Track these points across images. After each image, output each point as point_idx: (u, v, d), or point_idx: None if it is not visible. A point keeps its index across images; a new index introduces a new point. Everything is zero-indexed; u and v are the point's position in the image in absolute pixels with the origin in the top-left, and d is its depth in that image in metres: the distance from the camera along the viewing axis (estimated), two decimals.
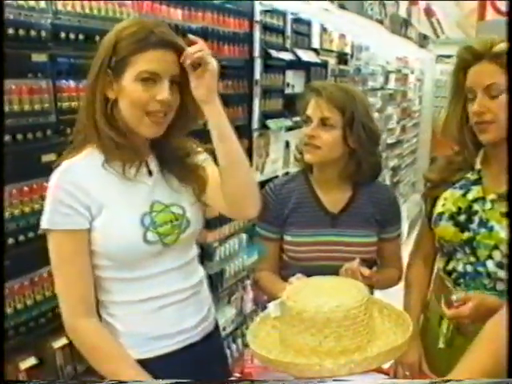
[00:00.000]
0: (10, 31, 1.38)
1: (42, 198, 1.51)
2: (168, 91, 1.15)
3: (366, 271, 1.44)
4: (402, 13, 5.83)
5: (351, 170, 1.59)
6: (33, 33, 1.44)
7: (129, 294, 1.24)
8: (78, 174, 1.18)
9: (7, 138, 1.41)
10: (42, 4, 1.46)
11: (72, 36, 1.55)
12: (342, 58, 4.15)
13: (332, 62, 3.87)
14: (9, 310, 1.44)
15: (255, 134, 2.70)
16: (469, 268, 1.41)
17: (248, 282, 2.95)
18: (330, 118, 1.53)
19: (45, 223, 1.17)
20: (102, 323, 1.25)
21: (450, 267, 1.47)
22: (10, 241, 1.45)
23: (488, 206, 1.39)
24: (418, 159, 8.03)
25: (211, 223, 2.39)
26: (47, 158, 1.54)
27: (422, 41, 7.07)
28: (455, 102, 1.46)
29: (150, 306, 1.25)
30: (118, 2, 1.71)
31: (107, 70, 1.17)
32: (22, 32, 1.41)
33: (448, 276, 1.47)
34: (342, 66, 4.12)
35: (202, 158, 1.34)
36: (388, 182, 5.52)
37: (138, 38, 1.14)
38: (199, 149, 1.35)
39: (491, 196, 1.39)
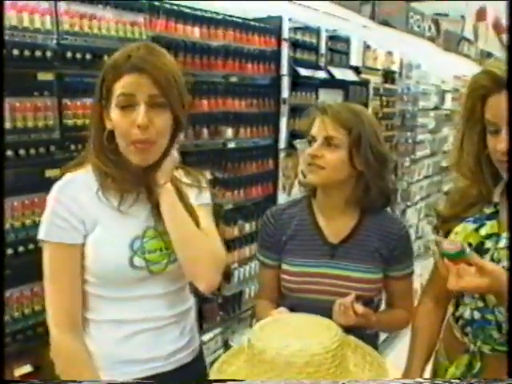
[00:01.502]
0: (15, 52, 1.44)
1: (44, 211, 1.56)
2: (144, 115, 1.10)
3: (360, 309, 1.33)
4: (469, 29, 5.57)
5: (358, 195, 1.48)
6: (38, 53, 1.49)
7: (107, 314, 1.22)
8: (76, 188, 1.19)
9: (10, 153, 1.46)
10: (48, 25, 1.51)
11: (78, 55, 1.59)
12: (389, 77, 4.01)
13: (377, 80, 3.74)
14: (7, 318, 1.49)
15: (282, 155, 2.64)
16: (476, 315, 1.25)
17: None
18: (335, 137, 1.43)
19: (41, 234, 1.19)
20: (81, 338, 1.23)
21: (458, 313, 1.31)
22: (10, 251, 1.50)
23: (502, 243, 1.22)
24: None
25: (230, 244, 2.37)
26: (51, 173, 1.58)
27: (484, 58, 6.73)
28: (469, 132, 1.29)
29: (125, 329, 1.22)
30: (130, 21, 1.73)
31: (101, 100, 1.17)
32: (27, 52, 1.46)
33: (455, 323, 1.31)
34: (388, 85, 3.98)
35: (196, 202, 1.29)
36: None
37: (115, 65, 1.13)
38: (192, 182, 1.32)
39: (507, 233, 1.24)
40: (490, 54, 6.91)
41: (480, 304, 1.24)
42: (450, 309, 1.36)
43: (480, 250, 1.24)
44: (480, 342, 1.24)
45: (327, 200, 1.52)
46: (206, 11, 2.08)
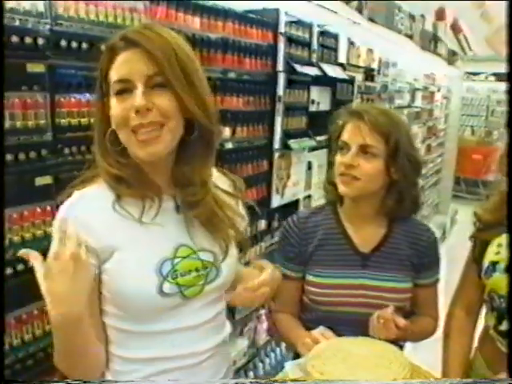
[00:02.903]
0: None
1: (34, 225, 1.36)
2: (141, 96, 0.92)
3: (402, 322, 1.26)
4: (429, 28, 5.62)
5: (391, 205, 1.39)
6: (28, 40, 1.27)
7: (133, 350, 1.03)
8: (87, 208, 0.98)
9: None
10: (40, 7, 1.29)
11: (74, 44, 1.38)
12: (369, 74, 3.95)
13: (359, 78, 3.66)
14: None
15: (276, 155, 2.50)
16: None
17: (263, 312, 2.75)
18: (372, 145, 1.32)
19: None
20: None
21: (503, 327, 1.24)
22: None
23: None
24: (443, 180, 7.74)
25: None
26: (42, 181, 1.37)
27: (451, 57, 6.83)
28: None
29: (155, 368, 1.04)
30: (129, 7, 1.53)
31: (103, 95, 0.99)
32: (15, 38, 1.24)
33: (502, 337, 1.24)
34: (368, 83, 3.91)
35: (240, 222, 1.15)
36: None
37: (110, 46, 0.96)
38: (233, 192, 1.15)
39: None
40: (454, 53, 7.04)
41: None
42: (491, 321, 1.28)
43: None
44: None
45: (356, 209, 1.43)
46: (206, 1, 1.90)
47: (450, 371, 1.34)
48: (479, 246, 1.32)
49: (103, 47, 0.99)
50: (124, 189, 0.99)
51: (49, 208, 1.38)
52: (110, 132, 0.97)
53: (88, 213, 0.97)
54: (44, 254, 1.19)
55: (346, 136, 1.37)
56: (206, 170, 1.05)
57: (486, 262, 1.27)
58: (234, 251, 1.12)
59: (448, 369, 1.36)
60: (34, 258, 0.88)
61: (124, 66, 0.93)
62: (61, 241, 0.91)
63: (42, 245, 1.36)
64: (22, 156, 1.30)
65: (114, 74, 0.94)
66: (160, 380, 1.04)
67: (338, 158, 1.38)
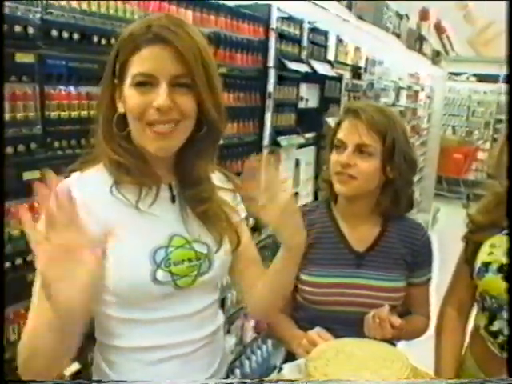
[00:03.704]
0: None
1: (21, 222, 1.31)
2: (165, 96, 0.92)
3: (397, 321, 1.26)
4: (413, 28, 5.66)
5: (386, 203, 1.39)
6: (18, 28, 1.23)
7: (128, 339, 1.03)
8: (85, 191, 0.97)
9: None
10: None
11: (65, 35, 1.33)
12: (356, 72, 3.95)
13: (346, 75, 3.66)
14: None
15: (265, 151, 2.47)
16: None
17: None
18: (369, 145, 1.31)
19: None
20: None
21: (494, 328, 1.25)
22: None
23: None
24: (425, 178, 7.82)
25: None
26: (30, 175, 1.32)
27: (436, 57, 6.90)
28: None
29: (150, 357, 1.03)
30: None
31: (114, 79, 0.97)
32: (4, 27, 1.19)
33: (492, 338, 1.25)
34: (355, 81, 3.92)
35: (236, 217, 1.15)
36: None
37: (132, 36, 0.94)
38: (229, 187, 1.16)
39: None
40: (438, 53, 7.10)
41: None
42: (482, 321, 1.29)
43: None
44: None
45: (351, 207, 1.43)
46: None
47: (442, 370, 1.35)
48: (471, 247, 1.32)
49: (124, 34, 0.96)
50: (123, 175, 0.99)
51: (37, 204, 1.33)
52: (117, 116, 0.97)
53: (86, 194, 0.96)
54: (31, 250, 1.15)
55: (342, 134, 1.35)
56: (209, 165, 1.07)
57: (478, 263, 1.27)
58: (227, 246, 1.12)
59: (440, 367, 1.37)
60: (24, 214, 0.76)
61: (150, 60, 0.92)
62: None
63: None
64: (9, 149, 1.26)
65: (137, 66, 0.93)
66: (157, 370, 1.03)
67: (334, 157, 1.36)
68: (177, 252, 1.02)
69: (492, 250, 1.25)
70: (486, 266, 1.24)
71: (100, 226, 0.93)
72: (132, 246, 0.99)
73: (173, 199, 1.05)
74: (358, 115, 1.32)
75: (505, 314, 1.21)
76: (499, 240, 1.24)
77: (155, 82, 0.93)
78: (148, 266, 0.99)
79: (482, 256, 1.26)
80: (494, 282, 1.22)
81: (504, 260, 1.21)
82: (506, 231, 1.24)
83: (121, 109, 0.98)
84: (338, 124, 1.38)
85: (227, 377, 1.24)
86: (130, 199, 0.99)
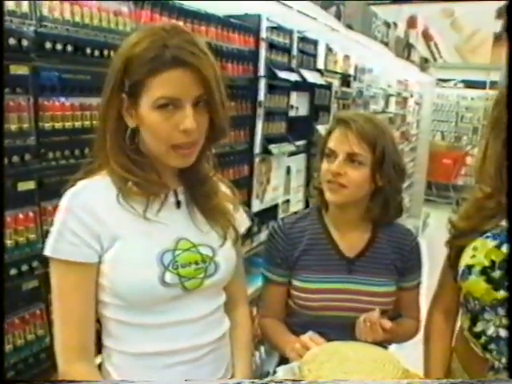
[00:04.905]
0: None
1: (17, 232, 1.32)
2: (192, 119, 0.96)
3: (388, 324, 1.28)
4: (401, 36, 5.74)
5: (376, 210, 1.42)
6: (12, 41, 1.24)
7: (136, 344, 1.05)
8: (92, 197, 1.01)
9: None
10: (25, 8, 1.26)
11: (59, 47, 1.35)
12: (345, 80, 4.00)
13: (335, 83, 3.71)
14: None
15: (257, 160, 2.50)
16: (502, 332, 1.22)
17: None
18: (359, 154, 1.34)
19: (48, 249, 1.00)
20: (94, 368, 1.06)
21: (477, 329, 1.27)
22: None
23: None
24: (415, 183, 7.89)
25: None
26: (25, 185, 1.34)
27: (424, 64, 6.99)
28: (494, 141, 1.27)
29: (157, 362, 1.05)
30: (113, 10, 1.52)
31: (121, 94, 0.98)
32: None
33: (476, 339, 1.27)
34: (344, 88, 3.96)
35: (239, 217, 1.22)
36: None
37: (150, 56, 0.94)
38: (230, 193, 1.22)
39: None
40: (427, 60, 7.20)
41: (506, 322, 1.20)
42: (466, 323, 1.32)
43: (504, 267, 1.21)
44: (505, 358, 1.20)
45: (342, 215, 1.46)
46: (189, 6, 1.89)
47: (431, 372, 1.37)
48: (454, 251, 1.35)
49: (134, 52, 0.96)
50: (132, 187, 1.02)
51: (32, 214, 1.35)
52: (130, 132, 1.00)
53: (93, 200, 1.00)
54: (27, 261, 1.18)
55: (332, 144, 1.38)
56: (209, 166, 1.13)
57: (461, 266, 1.29)
58: (232, 249, 1.16)
59: (429, 369, 1.39)
60: None
61: (172, 84, 0.95)
62: (60, 235, 0.97)
63: (25, 252, 1.33)
64: (4, 160, 1.27)
65: (160, 90, 0.95)
66: (165, 376, 1.05)
67: (325, 165, 1.39)
68: (184, 255, 1.05)
69: (474, 253, 1.27)
70: (470, 268, 1.26)
71: (107, 232, 0.99)
72: (140, 249, 1.01)
73: (178, 204, 1.08)
74: (349, 125, 1.35)
75: (487, 316, 1.24)
76: (481, 243, 1.27)
77: (178, 104, 0.95)
78: (156, 268, 1.01)
79: (466, 259, 1.29)
80: (477, 284, 1.24)
81: (486, 262, 1.24)
82: (487, 234, 1.27)
83: (132, 124, 1.00)
84: (329, 133, 1.41)
85: None
86: (136, 208, 1.02)
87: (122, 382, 1.06)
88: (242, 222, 1.24)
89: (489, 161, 1.27)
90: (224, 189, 1.20)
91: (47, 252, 1.00)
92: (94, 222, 0.99)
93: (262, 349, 2.98)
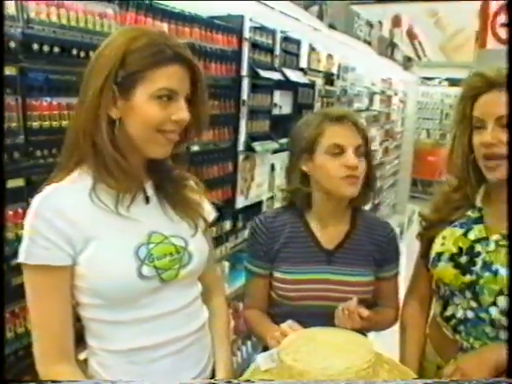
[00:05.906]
0: None
1: (6, 228, 1.36)
2: (186, 110, 1.05)
3: (365, 312, 1.32)
4: (385, 35, 5.83)
5: (361, 197, 1.49)
6: None
7: (119, 342, 1.08)
8: (62, 200, 1.02)
9: None
10: (12, 11, 1.31)
11: (46, 48, 1.40)
12: (329, 79, 4.07)
13: (319, 82, 3.78)
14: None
15: (241, 157, 2.56)
16: (470, 314, 1.30)
17: (229, 311, 2.80)
18: (362, 146, 1.43)
19: (21, 256, 1.01)
20: (75, 368, 1.08)
21: (448, 313, 1.35)
22: None
23: (492, 247, 1.28)
24: (399, 181, 8.00)
25: None
26: (14, 183, 1.38)
27: (407, 63, 7.08)
28: (460, 132, 1.35)
29: (142, 357, 1.09)
30: (98, 12, 1.57)
31: (112, 85, 1.02)
32: None
33: (446, 322, 1.35)
34: (328, 87, 4.03)
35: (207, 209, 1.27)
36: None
37: (153, 51, 1.01)
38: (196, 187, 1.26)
39: (495, 236, 1.28)
40: (410, 59, 7.29)
41: (473, 304, 1.29)
42: (438, 309, 1.40)
43: (471, 253, 1.30)
44: (472, 338, 1.29)
45: (332, 207, 1.50)
46: (173, 7, 1.94)
47: (406, 357, 1.42)
48: (426, 242, 1.42)
49: (132, 47, 1.02)
50: (111, 183, 1.05)
51: (21, 210, 1.39)
52: (112, 125, 1.04)
53: (63, 203, 1.01)
54: (16, 256, 1.21)
55: (340, 139, 1.41)
56: (182, 160, 1.19)
57: (432, 254, 1.37)
58: (203, 239, 1.21)
59: (405, 355, 1.44)
60: None
61: (173, 78, 1.02)
62: (32, 240, 0.99)
63: (14, 247, 1.37)
64: (4, 158, 1.31)
65: (163, 81, 1.01)
66: (151, 370, 1.09)
67: (335, 162, 1.41)
68: (157, 248, 1.08)
69: (444, 241, 1.35)
70: (439, 255, 1.34)
71: (79, 234, 1.01)
72: (115, 246, 1.04)
73: (147, 200, 1.12)
74: (348, 120, 1.42)
75: (456, 300, 1.32)
76: (449, 232, 1.35)
77: (173, 97, 1.03)
78: (133, 262, 1.04)
79: (436, 247, 1.36)
80: (446, 270, 1.32)
81: (454, 249, 1.31)
82: (454, 224, 1.35)
83: (116, 115, 1.02)
84: (322, 130, 1.43)
85: (212, 374, 1.28)
86: (108, 204, 1.05)
87: (105, 382, 1.08)
88: (210, 212, 1.28)
89: (456, 154, 1.35)
90: (190, 182, 1.25)
91: (21, 259, 1.01)
92: (65, 225, 1.00)
93: (249, 344, 3.04)
